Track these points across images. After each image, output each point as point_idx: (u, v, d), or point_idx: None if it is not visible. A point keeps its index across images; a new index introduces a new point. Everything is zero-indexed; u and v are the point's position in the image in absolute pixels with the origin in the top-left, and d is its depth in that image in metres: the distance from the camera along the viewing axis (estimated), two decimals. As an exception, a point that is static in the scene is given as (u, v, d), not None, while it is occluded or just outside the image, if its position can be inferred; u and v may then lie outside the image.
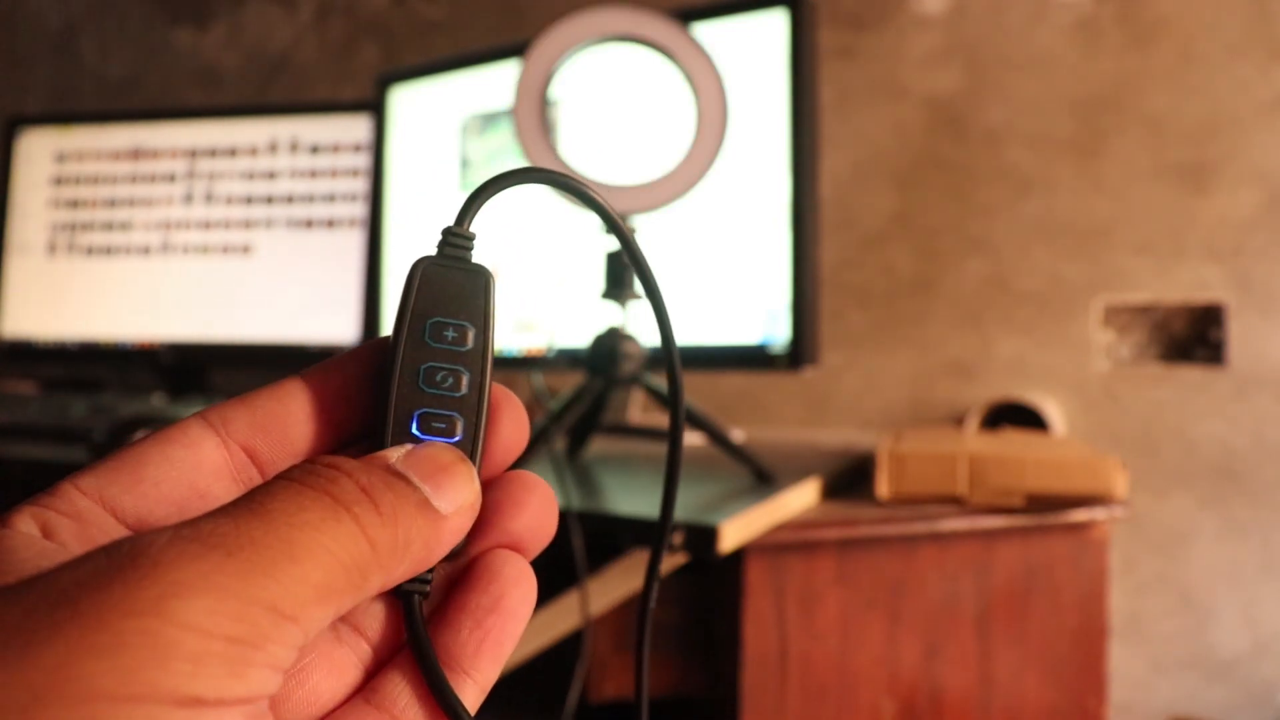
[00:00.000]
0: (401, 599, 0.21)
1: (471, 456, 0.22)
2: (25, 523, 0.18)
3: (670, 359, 0.25)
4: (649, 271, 0.24)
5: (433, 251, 0.22)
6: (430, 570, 0.21)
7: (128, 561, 0.15)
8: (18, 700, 0.14)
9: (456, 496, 0.20)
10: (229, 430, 0.21)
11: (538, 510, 0.22)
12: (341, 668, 0.21)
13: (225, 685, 0.15)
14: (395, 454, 0.20)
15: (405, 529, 0.19)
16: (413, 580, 0.21)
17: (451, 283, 0.22)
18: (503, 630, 0.21)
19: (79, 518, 0.19)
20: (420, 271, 0.22)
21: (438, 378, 0.21)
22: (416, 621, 0.21)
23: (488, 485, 0.22)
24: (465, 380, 0.22)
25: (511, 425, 0.23)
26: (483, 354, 0.22)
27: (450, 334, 0.22)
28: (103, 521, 0.19)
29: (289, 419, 0.21)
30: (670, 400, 0.25)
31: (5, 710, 0.14)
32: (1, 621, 0.15)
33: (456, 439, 0.21)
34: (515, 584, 0.22)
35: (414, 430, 0.21)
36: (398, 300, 0.22)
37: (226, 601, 0.16)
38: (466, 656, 0.21)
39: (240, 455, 0.21)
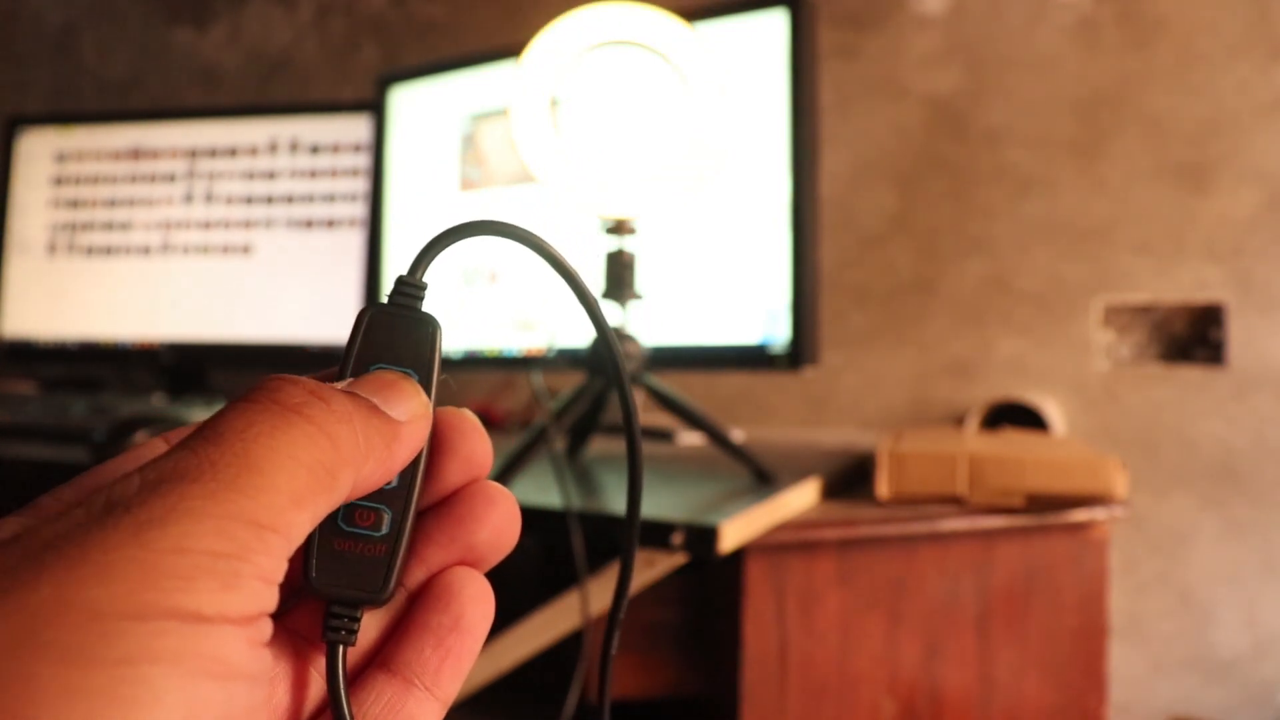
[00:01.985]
0: (326, 646, 0.21)
1: (409, 493, 0.21)
2: (7, 532, 0.18)
3: (622, 386, 0.25)
4: (599, 315, 0.25)
5: (385, 300, 0.23)
6: (356, 620, 0.21)
7: (103, 511, 0.16)
8: (23, 625, 0.14)
9: (407, 407, 0.21)
10: None
11: (499, 522, 0.23)
12: (304, 684, 0.21)
13: (221, 600, 0.16)
14: (341, 384, 0.21)
15: (363, 424, 0.19)
16: (338, 629, 0.21)
17: (399, 330, 0.22)
18: (463, 648, 0.22)
19: None
20: (367, 318, 0.22)
21: None
22: (337, 670, 0.20)
23: (451, 499, 0.23)
24: None
25: (475, 441, 0.23)
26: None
27: None
28: None
29: None
30: (627, 435, 0.25)
31: (11, 635, 0.14)
32: None
33: (394, 484, 0.21)
34: (474, 602, 0.22)
35: None
36: (345, 345, 0.22)
37: (202, 522, 0.16)
38: (429, 674, 0.21)
39: None
